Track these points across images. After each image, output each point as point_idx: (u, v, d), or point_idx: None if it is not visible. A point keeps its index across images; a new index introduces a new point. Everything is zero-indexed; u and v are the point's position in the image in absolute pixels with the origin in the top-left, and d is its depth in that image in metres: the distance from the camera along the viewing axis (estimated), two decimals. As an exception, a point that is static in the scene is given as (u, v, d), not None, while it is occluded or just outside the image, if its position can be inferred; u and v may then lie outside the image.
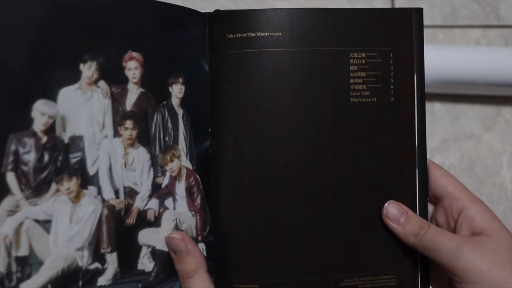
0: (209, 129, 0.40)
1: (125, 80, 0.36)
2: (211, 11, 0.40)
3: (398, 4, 0.73)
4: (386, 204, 0.40)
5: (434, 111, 0.67)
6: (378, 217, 0.40)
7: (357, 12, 0.40)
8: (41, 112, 0.33)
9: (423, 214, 0.40)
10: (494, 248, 0.35)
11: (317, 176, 0.40)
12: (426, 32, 0.71)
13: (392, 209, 0.40)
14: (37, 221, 0.33)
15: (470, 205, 0.38)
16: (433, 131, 0.66)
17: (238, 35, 0.39)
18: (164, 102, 0.38)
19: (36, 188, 0.33)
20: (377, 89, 0.40)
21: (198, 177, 0.40)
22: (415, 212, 0.40)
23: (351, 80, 0.40)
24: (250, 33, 0.39)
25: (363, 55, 0.40)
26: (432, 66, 0.64)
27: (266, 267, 0.39)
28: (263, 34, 0.39)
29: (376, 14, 0.40)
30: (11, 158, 0.32)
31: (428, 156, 0.61)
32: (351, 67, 0.40)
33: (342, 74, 0.40)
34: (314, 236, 0.40)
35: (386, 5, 0.73)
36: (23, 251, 0.33)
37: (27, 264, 0.33)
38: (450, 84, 0.66)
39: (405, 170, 0.41)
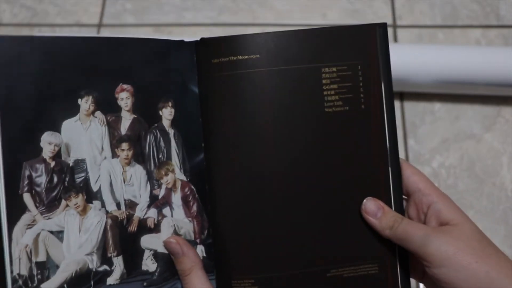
0: (202, 144, 0.45)
1: (119, 108, 0.42)
2: (198, 39, 0.46)
3: (398, 4, 0.73)
4: (364, 201, 0.44)
5: (434, 111, 0.67)
6: (358, 213, 0.44)
7: (326, 31, 0.44)
8: (48, 142, 0.40)
9: (399, 209, 0.44)
10: (458, 235, 0.39)
11: (301, 180, 0.44)
12: (426, 32, 0.72)
13: (370, 205, 0.43)
14: (51, 232, 0.40)
15: (437, 200, 0.42)
16: (433, 131, 0.66)
17: (222, 59, 0.44)
18: (156, 124, 0.44)
19: (49, 205, 0.40)
20: (348, 98, 0.44)
21: (193, 187, 0.45)
22: (391, 207, 0.44)
23: (325, 92, 0.44)
24: (232, 57, 0.44)
25: (334, 69, 0.44)
26: (432, 66, 0.65)
27: (259, 264, 0.44)
28: (243, 57, 0.44)
29: (344, 31, 0.44)
30: (26, 182, 0.39)
31: (428, 157, 0.63)
32: (324, 81, 0.44)
33: (316, 88, 0.44)
34: (301, 233, 0.44)
35: (386, 5, 0.74)
36: (41, 257, 0.40)
37: (45, 268, 0.40)
38: (450, 84, 0.66)
39: (380, 169, 0.44)
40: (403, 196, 0.45)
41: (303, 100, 0.44)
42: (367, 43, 0.44)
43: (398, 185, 0.44)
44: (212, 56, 0.44)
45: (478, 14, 0.72)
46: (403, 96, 0.68)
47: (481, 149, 0.66)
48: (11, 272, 0.39)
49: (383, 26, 0.44)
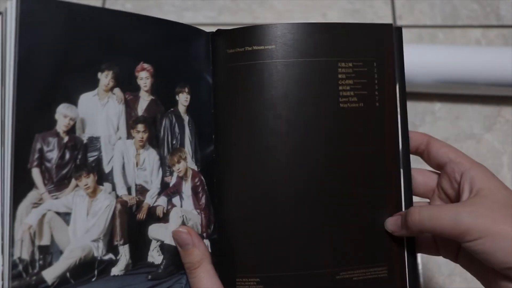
0: (213, 136, 0.44)
1: (137, 88, 0.40)
2: (214, 30, 0.45)
3: (398, 4, 0.75)
4: (385, 223, 0.44)
5: (434, 111, 0.68)
6: (369, 214, 0.44)
7: (344, 26, 0.45)
8: (63, 114, 0.37)
9: (409, 206, 0.44)
10: (492, 205, 0.38)
11: (312, 177, 0.43)
12: (426, 32, 0.73)
13: (391, 225, 0.43)
14: (58, 213, 0.36)
15: (470, 167, 0.41)
16: (433, 131, 0.66)
17: (237, 49, 0.44)
18: (172, 109, 0.42)
19: (58, 183, 0.37)
20: (363, 95, 0.44)
21: (203, 178, 0.43)
22: (401, 206, 0.44)
23: (340, 88, 0.44)
24: (247, 47, 0.43)
25: (350, 64, 0.44)
26: (432, 66, 0.65)
27: (265, 262, 0.42)
28: (259, 47, 0.43)
29: (362, 28, 0.45)
30: (36, 155, 0.36)
31: None
32: (340, 75, 0.44)
33: (332, 82, 0.44)
34: (311, 233, 0.43)
35: (386, 5, 0.75)
36: (45, 241, 0.36)
37: (48, 253, 0.36)
38: (450, 84, 0.66)
39: (391, 168, 0.44)
40: (436, 171, 0.45)
41: (318, 94, 0.43)
42: (384, 41, 0.45)
43: (408, 186, 0.44)
44: (227, 46, 0.44)
45: (478, 14, 0.74)
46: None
47: (481, 149, 0.67)
48: (12, 255, 0.34)
49: (400, 29, 0.45)
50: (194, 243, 0.41)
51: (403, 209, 0.44)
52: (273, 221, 0.43)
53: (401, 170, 0.44)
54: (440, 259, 0.59)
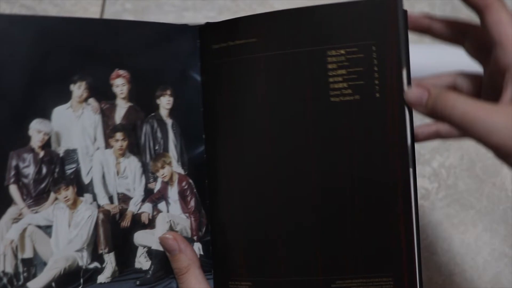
0: (203, 136, 0.43)
1: (114, 96, 0.40)
2: (203, 23, 0.43)
3: None
4: (406, 93, 0.38)
5: None
6: (370, 217, 0.39)
7: (334, 7, 0.39)
8: (37, 130, 0.37)
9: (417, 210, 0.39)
10: None
11: (306, 180, 0.40)
12: None
13: (412, 96, 0.37)
14: (39, 226, 0.37)
15: None
16: None
17: (221, 45, 0.41)
18: (153, 114, 0.41)
19: (37, 197, 0.37)
20: (359, 86, 0.38)
21: (191, 181, 0.42)
22: (410, 211, 0.38)
23: (330, 79, 0.39)
24: (230, 42, 0.41)
25: (342, 51, 0.38)
26: (432, 66, 0.62)
27: (258, 266, 0.41)
28: (240, 42, 0.40)
29: (355, 7, 0.38)
30: (12, 172, 0.36)
31: (428, 157, 0.61)
32: (329, 66, 0.39)
33: (320, 74, 0.39)
34: (303, 237, 0.40)
35: None
36: (28, 254, 0.37)
37: (32, 265, 0.37)
38: None
39: (397, 168, 0.39)
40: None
41: (305, 89, 0.39)
42: (385, 19, 0.38)
43: (415, 187, 0.39)
44: (213, 42, 0.42)
45: None
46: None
47: (481, 149, 0.64)
48: (-5, 269, 0.36)
49: (405, 11, 0.39)
50: (180, 248, 0.40)
51: (413, 215, 0.38)
52: (265, 224, 0.41)
53: (411, 170, 0.39)
54: (440, 259, 0.57)
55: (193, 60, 0.42)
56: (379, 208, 0.39)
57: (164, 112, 0.41)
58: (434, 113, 0.36)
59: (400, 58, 0.38)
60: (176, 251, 0.40)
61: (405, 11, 0.39)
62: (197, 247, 0.42)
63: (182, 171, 0.42)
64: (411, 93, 0.37)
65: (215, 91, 0.42)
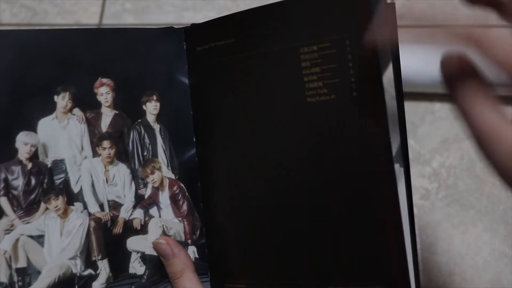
0: (193, 139, 0.42)
1: (98, 104, 0.40)
2: (188, 25, 0.42)
3: (398, 4, 0.69)
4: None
5: (434, 111, 0.64)
6: (360, 224, 0.37)
7: (304, 2, 0.36)
8: (23, 142, 0.37)
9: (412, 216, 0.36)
10: None
11: (291, 181, 0.38)
12: (427, 32, 0.68)
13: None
14: (31, 236, 0.38)
15: None
16: (433, 131, 0.62)
17: (204, 46, 0.41)
18: (140, 120, 0.41)
19: (27, 208, 0.38)
20: (334, 84, 0.36)
21: (182, 185, 0.42)
22: (399, 217, 0.36)
23: (305, 78, 0.36)
24: (211, 43, 0.40)
25: (315, 47, 0.36)
26: (432, 66, 0.61)
27: (252, 270, 0.41)
28: (220, 43, 0.40)
29: (324, 0, 0.36)
30: (1, 185, 0.37)
31: (428, 157, 0.59)
32: (303, 63, 0.36)
33: (295, 73, 0.36)
34: (295, 241, 0.39)
35: None
36: (21, 263, 0.38)
37: (26, 274, 0.38)
38: None
39: (381, 171, 0.36)
40: None
41: (282, 90, 0.37)
42: (356, 10, 0.34)
43: (409, 189, 0.36)
44: (197, 44, 0.41)
45: (479, 14, 0.68)
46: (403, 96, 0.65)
47: None
48: (-10, 279, 0.37)
49: (392, 3, 0.36)
50: (174, 253, 0.41)
51: (403, 219, 0.35)
52: (259, 228, 0.40)
53: (402, 170, 0.36)
54: (440, 259, 0.55)
55: (180, 63, 0.42)
56: (363, 214, 0.37)
57: (151, 117, 0.42)
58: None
59: (377, 53, 0.34)
60: (170, 256, 0.41)
61: (393, 4, 0.36)
62: (192, 250, 0.42)
63: (172, 176, 0.42)
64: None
65: (203, 93, 0.42)
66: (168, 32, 0.42)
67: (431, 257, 0.55)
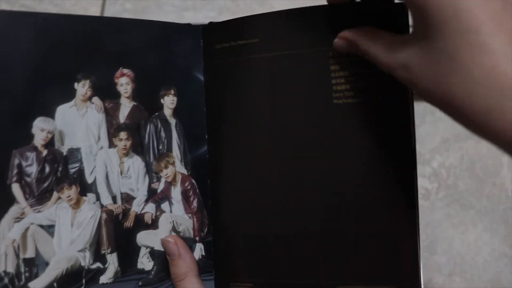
0: (205, 136, 0.42)
1: (118, 95, 0.39)
2: (206, 23, 0.42)
3: None
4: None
5: (434, 111, 0.65)
6: (375, 223, 0.38)
7: (336, 8, 0.38)
8: (40, 128, 0.36)
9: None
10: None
11: (307, 181, 0.39)
12: None
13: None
14: (41, 226, 0.37)
15: None
16: (433, 131, 0.64)
17: (223, 45, 0.41)
18: (157, 113, 0.41)
19: (39, 196, 0.37)
20: (361, 88, 0.37)
21: (194, 181, 0.42)
22: (414, 219, 0.37)
23: (333, 81, 0.38)
24: (232, 42, 0.40)
25: None
26: None
27: (259, 268, 0.41)
28: (242, 42, 0.40)
29: (356, 6, 0.37)
30: (15, 171, 0.36)
31: (428, 157, 0.61)
32: (332, 67, 0.38)
33: (323, 75, 0.38)
34: (306, 241, 0.39)
35: None
36: (30, 253, 0.37)
37: (34, 265, 0.37)
38: None
39: (401, 172, 0.37)
40: None
41: (308, 91, 0.38)
42: (386, 19, 0.36)
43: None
44: (215, 42, 0.41)
45: None
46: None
47: (481, 149, 0.64)
48: (-4, 269, 0.35)
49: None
50: (180, 254, 0.40)
51: (417, 221, 0.37)
52: (267, 226, 0.40)
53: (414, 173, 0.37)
54: (440, 259, 0.56)
55: (197, 60, 0.42)
56: (382, 214, 0.38)
57: (168, 111, 0.41)
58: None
59: None
60: (176, 256, 0.40)
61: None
62: (199, 247, 0.42)
63: (185, 171, 0.42)
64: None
65: (218, 91, 0.42)
66: (186, 28, 0.42)
67: (431, 257, 0.56)
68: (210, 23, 0.42)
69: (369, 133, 0.38)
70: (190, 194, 0.42)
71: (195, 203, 0.42)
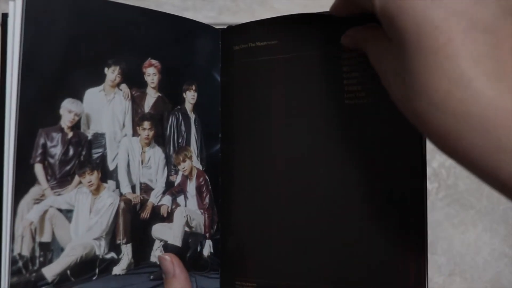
0: (219, 134, 0.43)
1: (145, 84, 0.39)
2: (225, 27, 0.44)
3: None
4: None
5: None
6: (381, 229, 0.38)
7: None
8: (68, 109, 0.36)
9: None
10: None
11: (316, 182, 0.39)
12: None
13: None
14: (60, 210, 0.36)
15: None
16: None
17: (241, 46, 0.42)
18: (179, 107, 0.41)
19: (61, 179, 0.36)
20: (373, 89, 0.38)
21: (207, 177, 0.42)
22: (423, 222, 0.37)
23: (345, 81, 0.38)
24: (251, 44, 0.42)
25: (356, 53, 0.38)
26: None
27: (264, 269, 0.41)
28: (261, 43, 0.41)
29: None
30: (39, 151, 0.35)
31: (428, 157, 0.62)
32: (344, 68, 0.38)
33: (335, 76, 0.39)
34: (311, 244, 0.39)
35: None
36: (46, 237, 0.35)
37: (49, 250, 0.35)
38: None
39: (410, 176, 0.37)
40: None
41: (321, 91, 0.39)
42: None
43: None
44: (234, 43, 0.43)
45: None
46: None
47: None
48: (12, 251, 0.34)
49: None
50: (175, 273, 0.39)
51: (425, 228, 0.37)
52: (274, 227, 0.41)
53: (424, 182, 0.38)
54: (440, 259, 0.58)
55: (215, 60, 0.43)
56: (390, 218, 0.38)
57: (189, 106, 0.42)
58: None
59: None
60: (170, 275, 0.39)
61: None
62: (208, 244, 0.42)
63: (200, 167, 0.42)
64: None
65: (233, 92, 0.43)
66: (207, 28, 0.43)
67: (431, 257, 0.56)
68: (229, 27, 0.44)
69: (380, 133, 0.38)
70: (204, 189, 0.42)
71: (207, 199, 0.42)
